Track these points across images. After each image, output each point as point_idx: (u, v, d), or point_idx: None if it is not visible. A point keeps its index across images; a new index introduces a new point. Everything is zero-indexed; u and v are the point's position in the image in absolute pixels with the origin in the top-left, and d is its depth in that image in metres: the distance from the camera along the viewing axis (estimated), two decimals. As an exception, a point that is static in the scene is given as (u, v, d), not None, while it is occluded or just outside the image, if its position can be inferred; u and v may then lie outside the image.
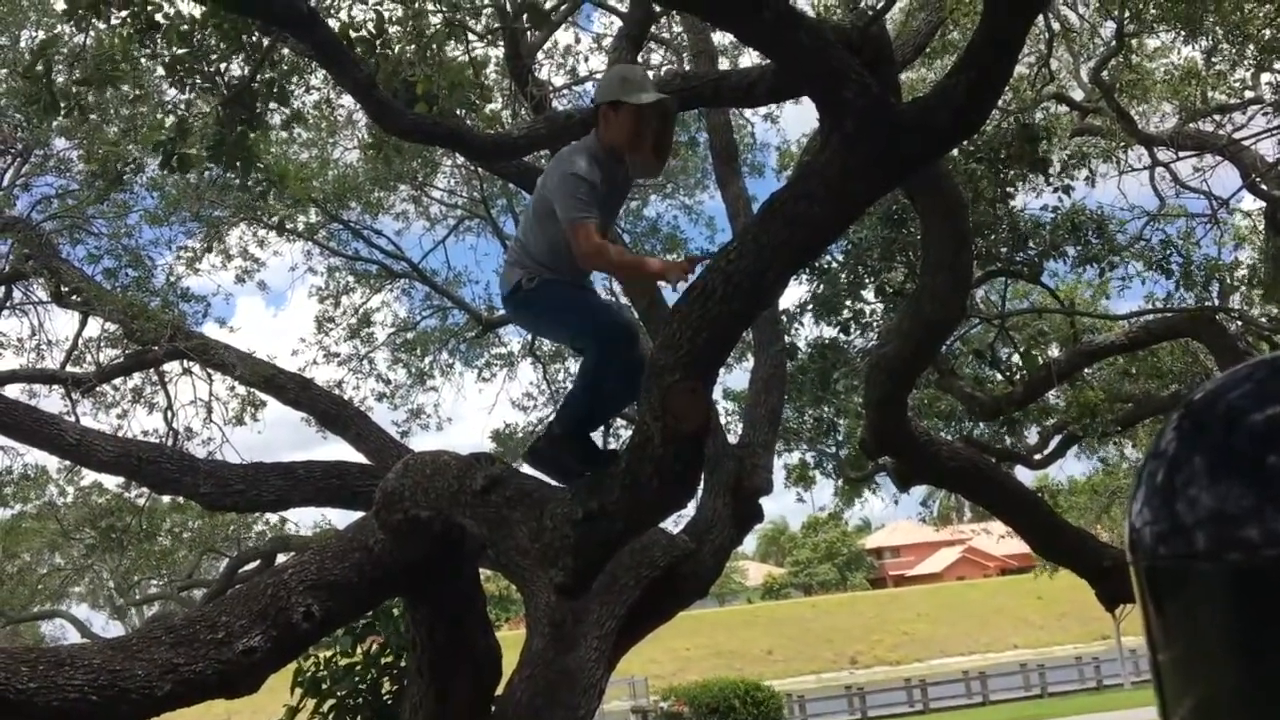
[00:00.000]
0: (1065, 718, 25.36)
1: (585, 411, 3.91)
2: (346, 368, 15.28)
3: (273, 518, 15.82)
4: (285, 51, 7.16)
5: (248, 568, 14.34)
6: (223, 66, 6.68)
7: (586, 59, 14.77)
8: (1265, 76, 11.24)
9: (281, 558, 13.68)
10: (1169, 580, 0.79)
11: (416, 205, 15.43)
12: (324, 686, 6.60)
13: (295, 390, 8.56)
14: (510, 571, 6.15)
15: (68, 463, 12.13)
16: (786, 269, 3.52)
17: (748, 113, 13.07)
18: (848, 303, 9.34)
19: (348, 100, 10.51)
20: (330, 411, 8.40)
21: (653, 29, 9.33)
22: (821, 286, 9.35)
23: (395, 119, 5.57)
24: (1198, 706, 0.76)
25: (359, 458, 7.83)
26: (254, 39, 6.41)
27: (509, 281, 3.95)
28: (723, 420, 10.69)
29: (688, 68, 9.37)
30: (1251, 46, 10.97)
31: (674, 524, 7.15)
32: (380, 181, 13.57)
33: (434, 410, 16.20)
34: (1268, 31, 10.78)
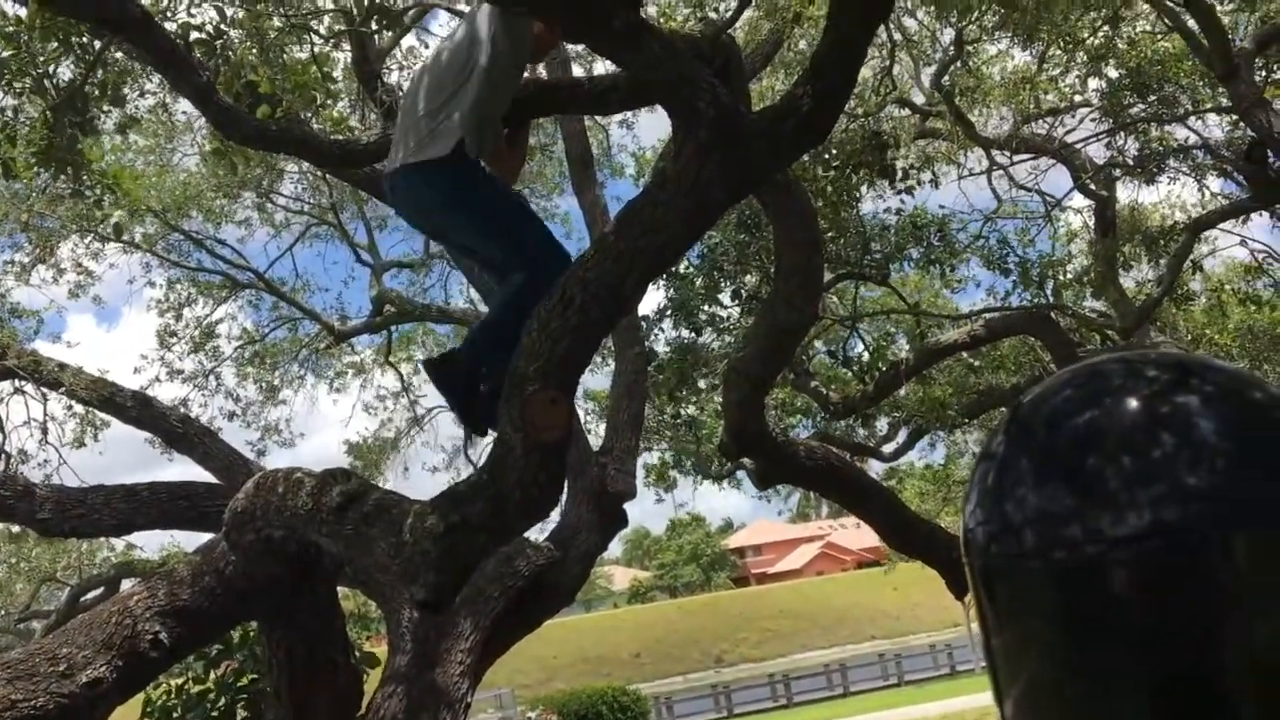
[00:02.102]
0: (920, 704, 26.20)
1: (499, 341, 3.59)
2: (191, 384, 14.72)
3: (118, 543, 15.14)
4: (119, 55, 6.86)
5: (90, 596, 13.67)
6: (51, 69, 6.35)
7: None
8: (1093, 81, 11.85)
9: (127, 584, 13.10)
10: (1000, 577, 0.82)
11: (261, 212, 14.98)
12: (174, 715, 6.35)
13: (136, 409, 8.19)
14: (370, 589, 6.02)
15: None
16: (644, 276, 3.53)
17: (603, 119, 13.14)
18: (704, 307, 9.46)
19: (185, 105, 10.14)
20: (175, 430, 8.07)
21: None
22: (677, 292, 9.45)
23: (238, 126, 5.38)
24: (1027, 691, 0.80)
25: (207, 477, 7.56)
26: (85, 41, 6.11)
27: (421, 152, 3.50)
28: (583, 421, 10.70)
29: (543, 74, 9.35)
30: (1080, 53, 11.56)
31: (538, 532, 7.13)
32: (223, 189, 13.12)
33: (286, 425, 15.73)
34: (1095, 39, 11.37)
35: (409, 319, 14.19)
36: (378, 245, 15.02)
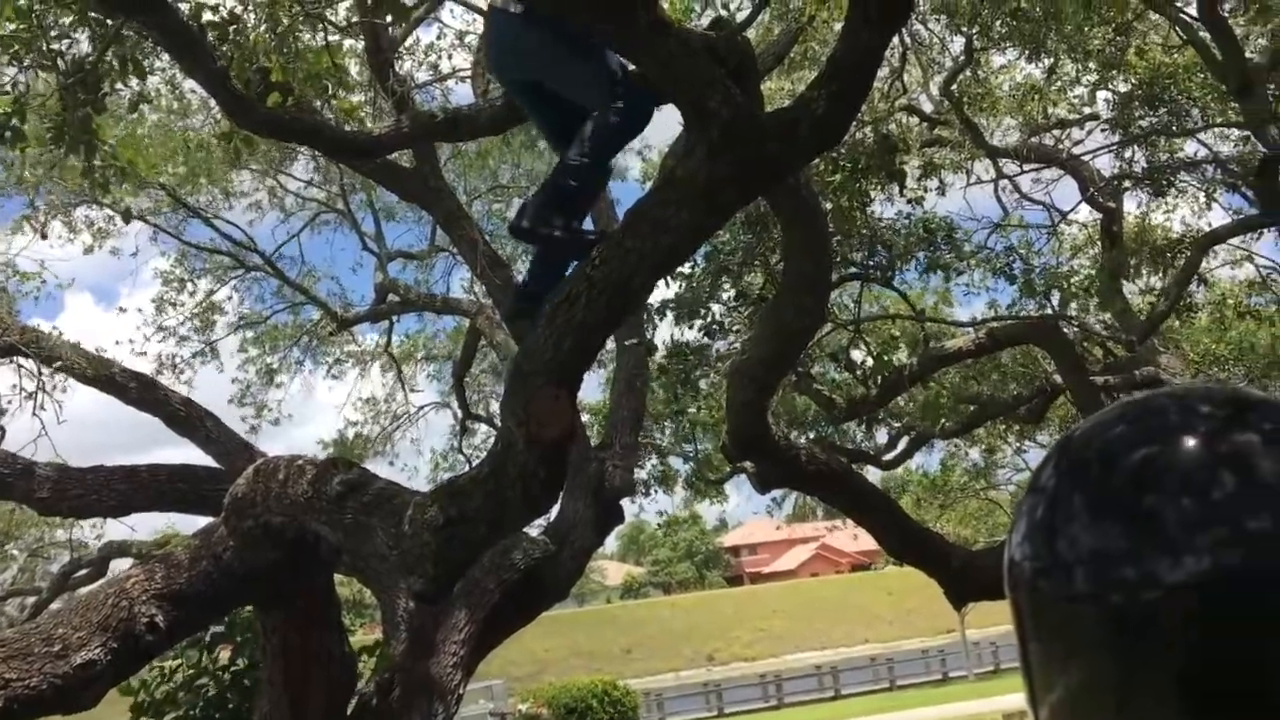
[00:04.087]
0: (912, 709, 26.21)
1: (582, 181, 3.57)
2: (191, 367, 14.71)
3: (109, 522, 15.12)
4: (131, 34, 6.84)
5: (79, 574, 13.67)
6: (65, 45, 6.34)
7: (450, 56, 14.54)
8: (1102, 94, 11.84)
9: (117, 564, 13.10)
10: (1048, 615, 0.81)
11: (272, 196, 14.98)
12: (164, 700, 6.34)
13: (138, 390, 8.18)
14: (367, 578, 6.01)
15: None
16: (652, 275, 3.53)
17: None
18: (709, 306, 9.46)
19: (196, 84, 10.14)
20: (177, 413, 8.07)
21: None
22: (682, 289, 9.44)
23: (249, 113, 5.38)
24: None
25: (205, 459, 7.55)
26: (99, 20, 6.09)
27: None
28: (585, 420, 10.69)
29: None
30: (1090, 64, 11.55)
31: (535, 526, 7.12)
32: (233, 165, 13.10)
33: (278, 408, 15.72)
34: (1105, 50, 11.35)
35: (412, 308, 14.19)
36: (384, 235, 15.03)
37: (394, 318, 14.96)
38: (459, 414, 15.17)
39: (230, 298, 15.35)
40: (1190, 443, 0.77)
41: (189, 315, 14.59)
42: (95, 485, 6.54)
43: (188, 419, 7.86)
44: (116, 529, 13.93)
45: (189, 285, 14.64)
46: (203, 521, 5.12)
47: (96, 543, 15.52)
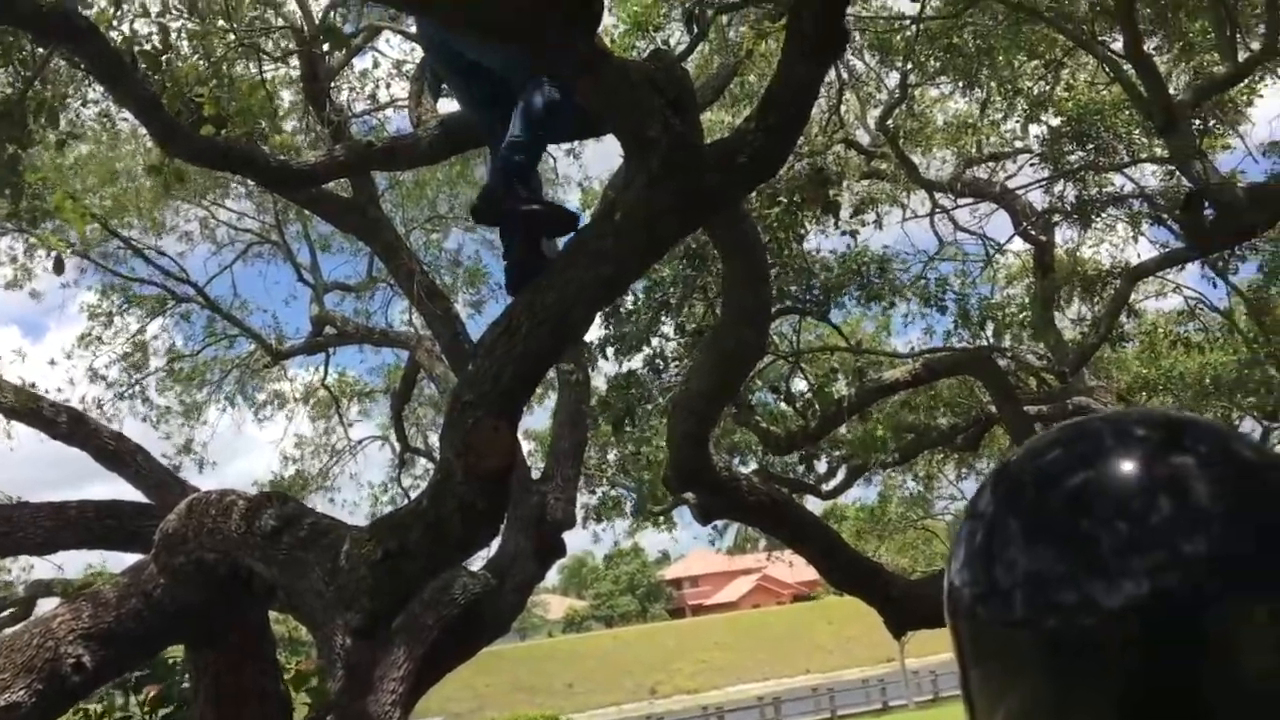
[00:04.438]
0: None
1: (534, 156, 3.60)
2: (117, 397, 14.39)
3: (36, 561, 14.69)
4: (62, 64, 6.73)
5: (3, 615, 13.26)
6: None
7: (388, 85, 14.49)
8: (1033, 128, 12.11)
9: (44, 604, 12.72)
10: (987, 641, 0.80)
11: (203, 228, 14.76)
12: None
13: (68, 424, 7.98)
14: (302, 614, 5.89)
15: None
16: (592, 306, 3.52)
17: (551, 147, 13.14)
18: (649, 339, 9.47)
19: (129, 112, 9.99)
20: (107, 447, 7.88)
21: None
22: (620, 324, 9.45)
23: (183, 141, 5.29)
24: None
25: (136, 495, 7.37)
26: (24, 55, 5.98)
27: None
28: (526, 447, 10.63)
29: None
30: (1021, 100, 11.82)
31: (475, 559, 7.05)
32: (165, 199, 12.90)
33: (209, 445, 15.43)
34: (1035, 88, 11.63)
35: (350, 341, 14.02)
36: (320, 266, 14.88)
37: (331, 350, 14.78)
38: (397, 447, 15.00)
39: (158, 336, 15.06)
40: (1125, 466, 0.78)
41: (118, 352, 14.32)
42: (20, 522, 6.33)
43: (117, 453, 7.68)
44: (44, 567, 13.55)
45: (118, 319, 14.36)
46: (132, 559, 4.99)
47: (23, 581, 15.08)
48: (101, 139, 12.17)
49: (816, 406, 10.46)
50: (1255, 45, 9.01)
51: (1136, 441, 0.79)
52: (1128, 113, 10.67)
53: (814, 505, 15.94)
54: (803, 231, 9.06)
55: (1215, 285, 12.42)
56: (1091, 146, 11.22)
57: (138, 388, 14.52)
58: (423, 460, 15.32)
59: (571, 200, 14.47)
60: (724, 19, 9.93)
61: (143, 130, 10.71)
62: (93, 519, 6.26)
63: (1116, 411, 0.88)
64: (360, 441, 16.94)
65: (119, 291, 14.44)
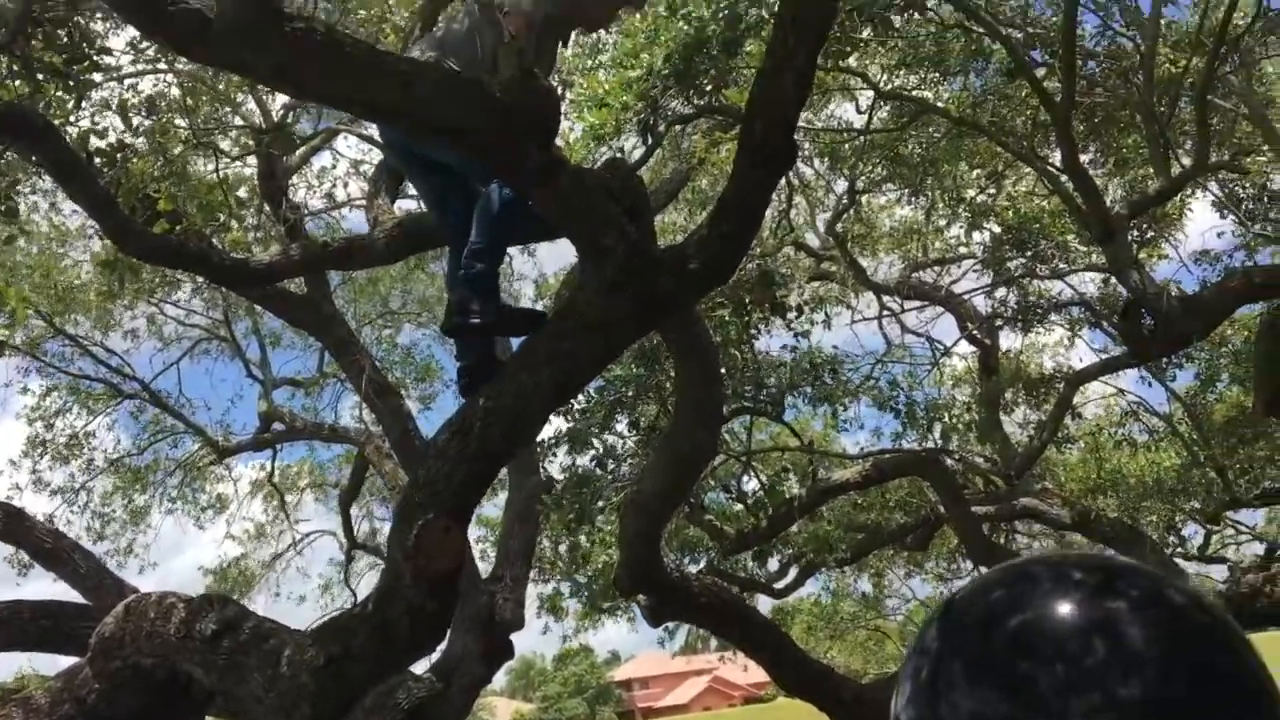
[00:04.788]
0: None
1: (494, 261, 3.65)
2: (60, 497, 14.09)
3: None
4: (11, 157, 6.72)
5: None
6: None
7: (345, 184, 14.61)
8: (976, 235, 12.43)
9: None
10: None
11: (150, 324, 14.61)
12: None
13: (5, 520, 7.77)
14: (241, 720, 5.72)
15: None
16: (546, 407, 3.54)
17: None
18: (602, 436, 9.47)
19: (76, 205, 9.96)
20: (43, 545, 7.66)
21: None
22: (577, 422, 9.46)
23: (136, 239, 5.29)
24: None
25: (73, 595, 7.15)
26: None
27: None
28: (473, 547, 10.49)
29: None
30: (964, 208, 12.15)
31: (420, 661, 6.90)
32: (112, 296, 12.79)
33: (146, 551, 15.11)
34: (978, 196, 11.97)
35: (298, 437, 13.85)
36: (270, 361, 14.77)
37: (278, 446, 14.60)
38: (344, 544, 14.75)
39: (97, 433, 14.80)
40: (1063, 610, 0.81)
41: (59, 451, 14.05)
42: (-51, 624, 6.13)
43: (55, 552, 7.46)
44: (-29, 670, 13.06)
45: (62, 416, 14.12)
46: (66, 662, 4.84)
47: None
48: (50, 235, 12.11)
49: (768, 505, 10.47)
50: (1186, 160, 9.37)
51: (1074, 585, 0.83)
52: (1064, 220, 11.01)
53: (765, 604, 15.85)
54: (754, 333, 9.17)
55: (1151, 386, 12.68)
56: (1030, 253, 11.53)
57: (82, 493, 14.25)
58: (370, 557, 15.09)
59: (526, 293, 14.58)
60: (677, 126, 10.17)
61: (91, 226, 10.71)
62: (27, 620, 6.06)
63: (1056, 553, 0.92)
64: (307, 536, 16.70)
65: (64, 389, 14.23)
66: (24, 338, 13.18)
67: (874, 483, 10.85)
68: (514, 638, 7.73)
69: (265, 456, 15.17)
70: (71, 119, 6.86)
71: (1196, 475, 13.37)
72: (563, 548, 12.31)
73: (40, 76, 5.00)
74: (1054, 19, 9.66)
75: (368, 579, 15.84)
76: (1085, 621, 0.80)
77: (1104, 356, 12.27)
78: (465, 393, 3.64)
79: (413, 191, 11.98)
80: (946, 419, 12.12)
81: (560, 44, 4.30)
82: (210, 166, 8.07)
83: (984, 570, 0.90)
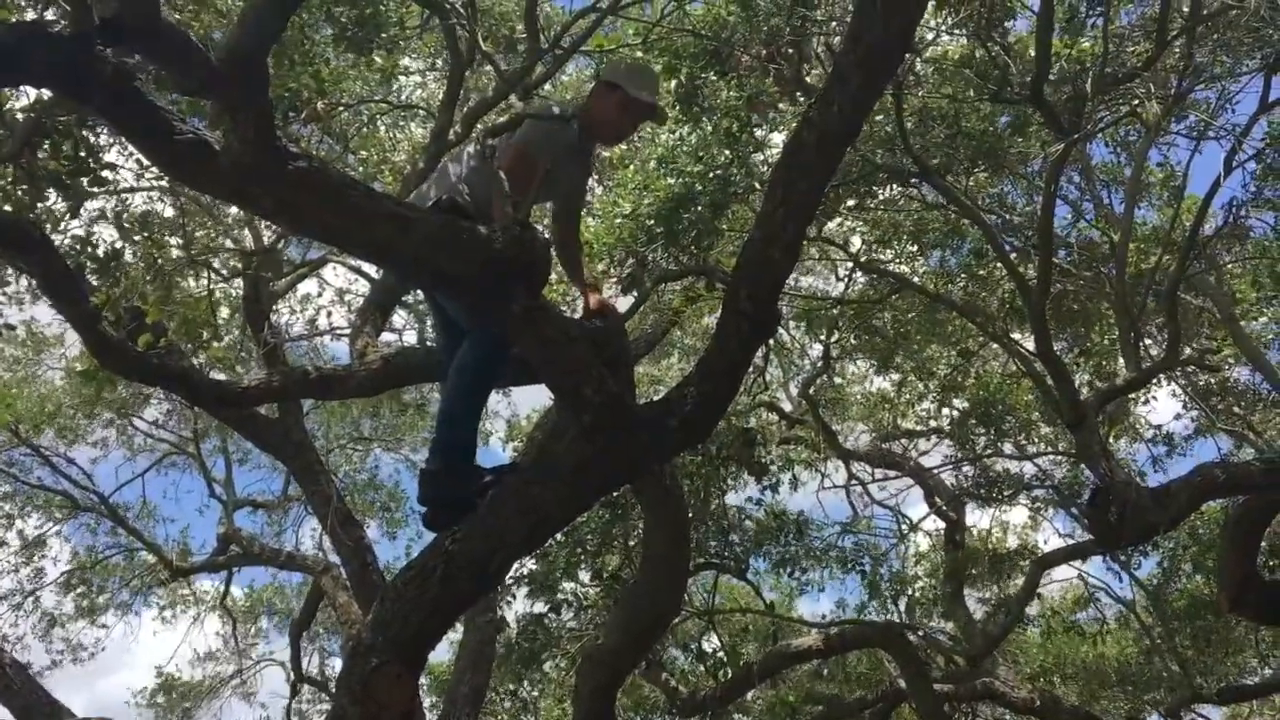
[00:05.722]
0: None
1: (471, 428, 3.67)
2: (6, 604, 13.73)
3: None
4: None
5: None
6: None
7: (329, 313, 14.72)
8: (945, 410, 12.56)
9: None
10: None
11: (119, 434, 14.48)
12: None
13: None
14: None
15: None
16: (512, 555, 3.50)
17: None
18: (563, 584, 9.32)
19: (51, 312, 9.96)
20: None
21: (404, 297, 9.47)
22: (538, 567, 9.32)
23: (118, 356, 5.28)
24: None
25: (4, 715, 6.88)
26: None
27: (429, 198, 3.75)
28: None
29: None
30: (934, 383, 12.33)
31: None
32: (83, 407, 12.72)
33: (98, 642, 14.74)
34: (948, 373, 12.16)
35: (255, 562, 13.58)
36: (234, 480, 14.63)
37: (235, 569, 14.31)
38: (291, 675, 14.31)
39: (56, 545, 14.56)
40: None
41: (8, 560, 13.79)
42: None
43: (-11, 666, 7.22)
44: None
45: (15, 523, 13.90)
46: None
47: None
48: (26, 344, 12.11)
49: (727, 668, 10.26)
50: (1155, 351, 9.60)
51: None
52: (1029, 397, 11.17)
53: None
54: (725, 487, 9.15)
55: (1121, 579, 12.62)
56: (993, 430, 11.66)
57: (31, 600, 13.93)
58: (316, 691, 14.66)
59: (498, 431, 14.57)
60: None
61: (69, 333, 10.70)
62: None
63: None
64: (257, 662, 16.27)
65: (20, 498, 14.03)
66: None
67: (835, 652, 10.67)
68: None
69: (221, 578, 14.91)
70: (62, 227, 6.93)
71: (1159, 664, 13.22)
72: (510, 694, 11.99)
73: (41, 188, 5.07)
74: (1027, 207, 10.02)
75: (312, 715, 15.41)
76: None
77: (1070, 542, 12.31)
78: (430, 525, 3.60)
79: (399, 324, 12.07)
80: (912, 592, 12.04)
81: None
82: (198, 283, 8.12)
83: None
